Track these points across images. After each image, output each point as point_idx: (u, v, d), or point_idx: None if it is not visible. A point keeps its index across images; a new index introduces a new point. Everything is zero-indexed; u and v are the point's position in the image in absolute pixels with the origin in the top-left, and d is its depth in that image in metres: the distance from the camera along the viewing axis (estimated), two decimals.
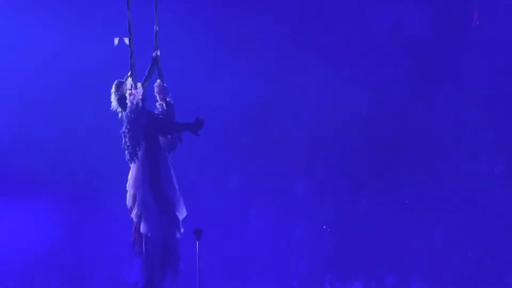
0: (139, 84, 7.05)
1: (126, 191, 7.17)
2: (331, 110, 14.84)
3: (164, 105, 7.17)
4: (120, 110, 7.15)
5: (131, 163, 7.01)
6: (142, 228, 6.93)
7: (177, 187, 7.12)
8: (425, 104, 14.99)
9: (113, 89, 7.18)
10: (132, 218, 7.06)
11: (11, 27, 14.09)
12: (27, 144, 14.08)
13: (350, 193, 14.52)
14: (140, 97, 6.98)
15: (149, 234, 6.93)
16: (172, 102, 7.22)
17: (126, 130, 6.97)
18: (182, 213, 7.18)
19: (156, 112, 7.21)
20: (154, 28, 7.29)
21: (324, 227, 14.43)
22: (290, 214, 14.48)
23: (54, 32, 13.97)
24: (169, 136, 7.12)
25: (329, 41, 15.30)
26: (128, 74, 7.11)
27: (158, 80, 7.26)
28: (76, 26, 14.01)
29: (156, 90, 7.23)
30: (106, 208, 13.41)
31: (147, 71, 7.26)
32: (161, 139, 7.11)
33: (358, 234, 14.24)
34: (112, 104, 7.18)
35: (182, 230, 7.17)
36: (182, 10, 13.95)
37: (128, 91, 7.03)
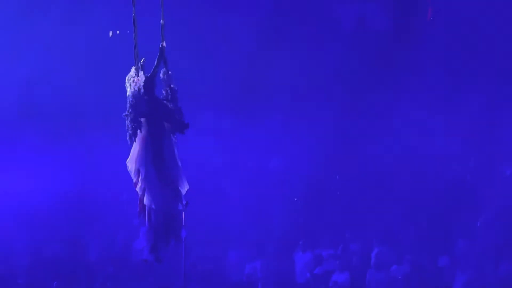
0: (141, 73, 7.61)
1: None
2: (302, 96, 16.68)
3: (168, 90, 7.75)
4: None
5: (130, 143, 7.56)
6: (146, 201, 7.52)
7: (180, 164, 7.70)
8: (386, 92, 16.71)
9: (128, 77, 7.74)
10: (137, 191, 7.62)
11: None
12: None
13: (320, 169, 16.21)
14: (142, 83, 7.54)
15: (153, 206, 7.52)
16: (176, 88, 7.78)
17: (128, 113, 7.54)
18: (184, 187, 7.70)
19: (161, 97, 7.77)
20: (160, 22, 7.88)
21: (296, 199, 16.07)
22: (266, 188, 16.16)
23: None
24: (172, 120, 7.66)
25: (300, 35, 17.13)
26: (142, 61, 7.72)
27: (164, 69, 7.81)
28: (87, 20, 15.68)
29: (161, 77, 7.79)
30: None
31: (155, 60, 7.78)
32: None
33: (327, 206, 15.92)
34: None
35: (184, 202, 7.69)
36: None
37: (132, 78, 7.59)
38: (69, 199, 15.79)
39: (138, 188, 7.60)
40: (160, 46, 7.82)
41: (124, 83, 7.74)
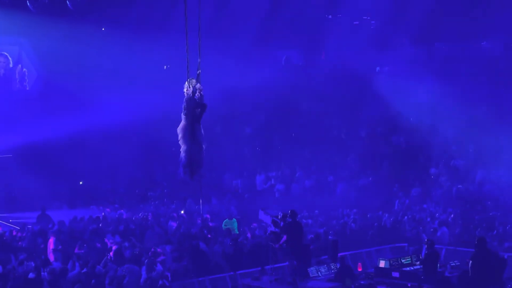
0: (190, 85, 12.96)
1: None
2: None
3: (199, 95, 12.95)
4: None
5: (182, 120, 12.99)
6: (182, 148, 12.93)
7: (202, 132, 12.97)
8: None
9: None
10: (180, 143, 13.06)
11: None
12: None
13: None
14: (191, 92, 12.86)
15: (186, 149, 12.92)
16: (203, 93, 13.04)
17: (184, 106, 12.91)
18: (203, 143, 13.04)
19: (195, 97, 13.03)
20: (198, 60, 13.03)
21: None
22: None
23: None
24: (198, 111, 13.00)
25: None
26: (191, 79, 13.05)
27: (198, 84, 13.08)
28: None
29: (197, 88, 13.01)
30: None
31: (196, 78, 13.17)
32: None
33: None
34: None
35: (203, 146, 13.04)
36: None
37: (186, 88, 12.93)
38: None
39: (180, 142, 12.99)
40: (198, 72, 13.13)
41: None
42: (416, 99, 27.97)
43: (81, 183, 29.44)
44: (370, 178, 27.54)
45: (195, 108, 12.90)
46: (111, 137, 28.23)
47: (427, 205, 24.13)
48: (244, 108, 30.60)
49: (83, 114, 27.40)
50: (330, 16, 30.95)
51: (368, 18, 31.37)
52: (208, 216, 23.18)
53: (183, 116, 13.00)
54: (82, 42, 27.11)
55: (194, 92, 12.98)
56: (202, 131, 13.08)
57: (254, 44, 29.43)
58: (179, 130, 13.09)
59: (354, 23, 31.22)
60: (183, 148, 13.03)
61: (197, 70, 13.13)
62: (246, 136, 31.38)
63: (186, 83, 13.02)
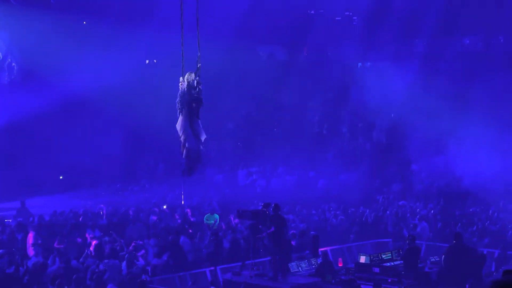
0: (185, 79, 13.11)
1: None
2: None
3: (197, 89, 13.18)
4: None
5: (178, 115, 13.11)
6: (183, 142, 13.12)
7: (201, 125, 13.20)
8: None
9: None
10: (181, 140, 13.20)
11: None
12: None
13: None
14: (185, 86, 13.04)
15: (187, 145, 13.11)
16: (201, 88, 13.23)
17: (177, 101, 13.16)
18: (203, 137, 13.26)
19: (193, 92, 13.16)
20: (198, 53, 13.23)
21: None
22: None
23: None
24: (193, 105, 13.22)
25: None
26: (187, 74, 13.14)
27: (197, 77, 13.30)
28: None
29: (195, 82, 13.20)
30: None
31: (194, 73, 13.25)
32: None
33: None
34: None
35: (202, 140, 13.28)
36: None
37: (180, 83, 13.13)
38: None
39: (181, 139, 13.14)
40: (198, 66, 13.32)
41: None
42: (397, 95, 28.10)
43: (61, 177, 29.30)
44: (351, 174, 27.63)
45: (191, 102, 13.02)
46: (96, 132, 28.16)
47: (407, 201, 24.27)
48: (226, 103, 30.59)
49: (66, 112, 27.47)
50: (312, 12, 31.00)
51: (350, 14, 31.46)
52: (188, 210, 23.15)
53: (178, 112, 13.11)
54: (63, 35, 26.93)
55: (191, 86, 13.07)
56: (201, 126, 13.21)
57: (236, 39, 29.40)
58: (178, 126, 13.19)
59: (336, 18, 31.30)
60: (183, 144, 13.14)
61: (197, 64, 13.26)
62: (227, 131, 31.39)
63: (182, 77, 13.13)
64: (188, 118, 13.05)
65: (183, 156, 13.19)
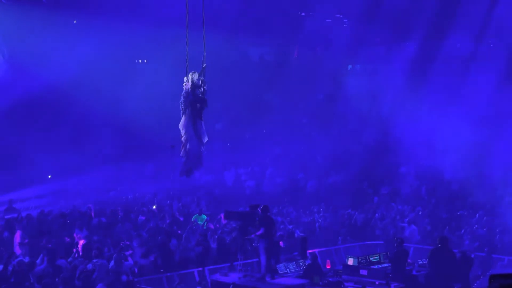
0: (189, 79, 13.05)
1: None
2: None
3: (202, 89, 13.18)
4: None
5: (182, 116, 13.04)
6: (184, 143, 13.07)
7: (204, 127, 13.14)
8: None
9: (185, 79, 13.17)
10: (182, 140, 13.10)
11: None
12: None
13: None
14: (189, 86, 12.97)
15: (188, 146, 13.11)
16: (206, 88, 13.26)
17: (181, 101, 13.07)
18: (205, 139, 13.23)
19: (197, 92, 13.12)
20: (203, 54, 13.17)
21: None
22: None
23: None
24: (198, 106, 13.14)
25: None
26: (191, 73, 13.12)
27: (202, 77, 13.21)
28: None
29: (200, 82, 13.13)
30: None
31: (199, 74, 13.19)
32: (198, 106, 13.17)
33: None
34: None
35: (204, 142, 13.26)
36: None
37: (184, 83, 13.03)
38: None
39: (183, 139, 13.10)
40: (203, 66, 13.27)
41: None
42: (386, 97, 28.16)
43: (49, 176, 29.17)
44: (340, 176, 27.67)
45: (195, 103, 12.92)
46: (89, 133, 28.09)
47: (395, 203, 24.32)
48: (215, 103, 30.51)
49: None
50: (303, 14, 31.02)
51: (341, 16, 31.48)
52: (175, 212, 23.13)
53: (182, 113, 13.00)
54: (53, 33, 26.82)
55: (195, 86, 12.97)
56: (204, 127, 13.15)
57: (227, 40, 29.37)
58: (180, 127, 13.10)
59: (327, 21, 31.32)
60: (184, 144, 13.06)
61: (203, 63, 13.13)
62: (216, 132, 31.35)
63: (186, 77, 13.03)
64: (191, 119, 12.95)
65: (182, 156, 13.10)
